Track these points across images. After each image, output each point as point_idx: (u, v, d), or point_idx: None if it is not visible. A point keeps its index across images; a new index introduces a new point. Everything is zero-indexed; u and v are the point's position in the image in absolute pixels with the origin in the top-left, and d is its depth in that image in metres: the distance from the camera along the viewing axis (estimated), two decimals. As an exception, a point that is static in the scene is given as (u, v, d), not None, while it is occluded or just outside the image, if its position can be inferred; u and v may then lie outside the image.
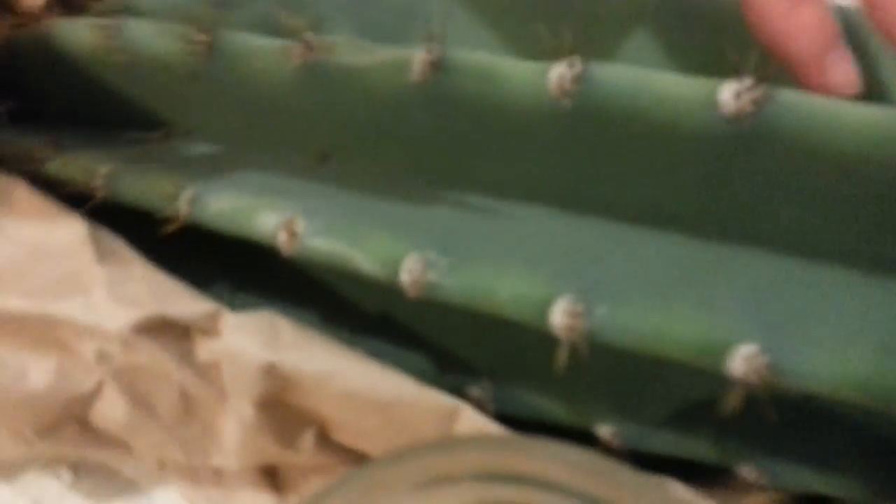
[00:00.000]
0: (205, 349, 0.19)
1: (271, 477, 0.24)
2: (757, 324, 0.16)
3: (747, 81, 0.16)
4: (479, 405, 0.21)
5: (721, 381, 0.16)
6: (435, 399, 0.19)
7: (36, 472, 0.27)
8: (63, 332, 0.20)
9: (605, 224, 0.19)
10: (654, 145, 0.17)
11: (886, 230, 0.17)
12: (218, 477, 0.25)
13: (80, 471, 0.27)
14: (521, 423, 0.21)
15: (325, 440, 0.22)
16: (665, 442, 0.20)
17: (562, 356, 0.17)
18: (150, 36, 0.22)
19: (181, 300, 0.19)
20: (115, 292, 0.19)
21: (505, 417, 0.21)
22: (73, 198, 0.23)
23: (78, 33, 0.24)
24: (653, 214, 0.19)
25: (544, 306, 0.17)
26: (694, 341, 0.16)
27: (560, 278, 0.17)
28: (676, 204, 0.18)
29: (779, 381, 0.16)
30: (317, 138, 0.23)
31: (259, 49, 0.21)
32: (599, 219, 0.19)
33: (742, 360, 0.16)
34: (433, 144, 0.20)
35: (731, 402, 0.16)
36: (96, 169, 0.23)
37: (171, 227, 0.21)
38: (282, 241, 0.19)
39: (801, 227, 0.18)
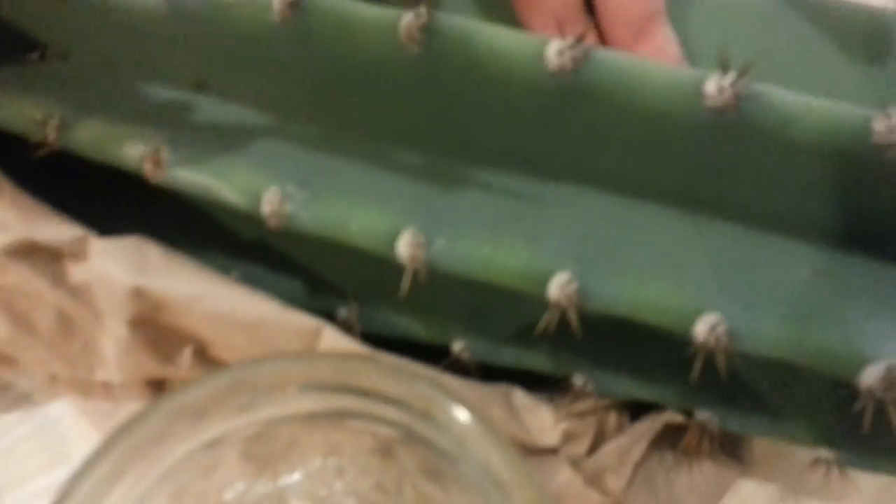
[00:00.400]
0: (75, 272, 0.20)
1: (158, 389, 0.26)
2: (572, 256, 0.19)
3: (570, 40, 0.17)
4: (346, 325, 0.23)
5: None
6: (298, 319, 0.20)
7: (-74, 388, 0.28)
8: (-65, 255, 0.20)
9: (451, 162, 0.21)
10: (490, 93, 0.19)
11: (693, 174, 0.19)
12: (107, 390, 0.27)
13: (-27, 385, 0.28)
14: (386, 340, 0.24)
15: (203, 356, 0.23)
16: (509, 355, 0.23)
17: (406, 282, 0.19)
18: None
19: (49, 225, 0.20)
20: (-17, 218, 0.19)
21: (371, 336, 0.24)
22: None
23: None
24: (492, 155, 0.20)
25: (391, 238, 0.19)
26: (517, 271, 0.18)
27: (406, 212, 0.19)
28: (512, 146, 0.20)
29: (585, 305, 0.18)
30: (190, 67, 0.23)
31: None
32: (447, 157, 0.21)
33: (556, 287, 0.18)
34: (297, 80, 0.21)
35: (548, 323, 0.19)
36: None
37: (41, 153, 0.22)
38: (148, 170, 0.20)
39: (621, 170, 0.20)
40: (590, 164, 0.20)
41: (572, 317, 0.18)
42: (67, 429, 0.28)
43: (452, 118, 0.20)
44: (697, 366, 0.18)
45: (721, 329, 0.18)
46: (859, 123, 0.17)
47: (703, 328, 0.18)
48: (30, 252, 0.19)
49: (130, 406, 0.27)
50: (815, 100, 0.17)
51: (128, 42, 0.23)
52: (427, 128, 0.20)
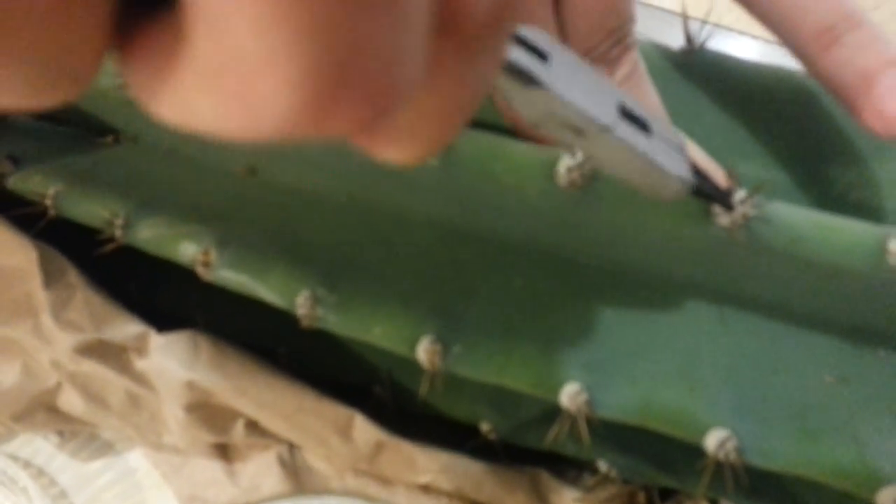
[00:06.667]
0: (138, 364, 0.22)
1: (220, 448, 0.28)
2: (585, 364, 0.19)
3: (579, 157, 0.18)
4: (380, 402, 0.25)
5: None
6: (331, 408, 0.22)
7: (27, 437, 0.31)
8: (22, 343, 0.23)
9: (473, 256, 0.22)
10: (510, 200, 0.20)
11: (713, 271, 0.19)
12: (175, 446, 0.29)
13: (65, 434, 0.31)
14: (420, 416, 0.25)
15: (254, 427, 0.25)
16: (534, 438, 0.23)
17: (425, 387, 0.20)
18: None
19: (115, 324, 0.22)
20: (59, 317, 0.22)
21: (406, 411, 0.25)
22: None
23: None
24: (514, 246, 0.21)
25: (412, 342, 0.20)
26: (528, 380, 0.19)
27: (426, 316, 0.20)
28: (534, 238, 0.21)
29: (595, 415, 0.19)
30: (242, 157, 0.25)
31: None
32: (468, 251, 0.22)
33: (567, 397, 0.19)
34: (337, 177, 0.23)
35: (561, 429, 0.19)
36: (47, 188, 0.25)
37: (110, 247, 0.24)
38: (199, 270, 0.22)
39: (642, 263, 0.20)
40: (610, 257, 0.20)
41: (582, 426, 0.19)
42: (143, 478, 0.31)
43: (473, 214, 0.21)
44: (707, 476, 0.19)
45: (731, 445, 0.18)
46: (874, 246, 0.16)
47: (713, 443, 0.18)
48: (99, 348, 0.22)
49: (196, 461, 0.29)
50: (826, 217, 0.17)
51: (189, 135, 0.25)
52: (448, 220, 0.21)
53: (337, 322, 0.21)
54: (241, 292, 0.22)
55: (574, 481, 0.24)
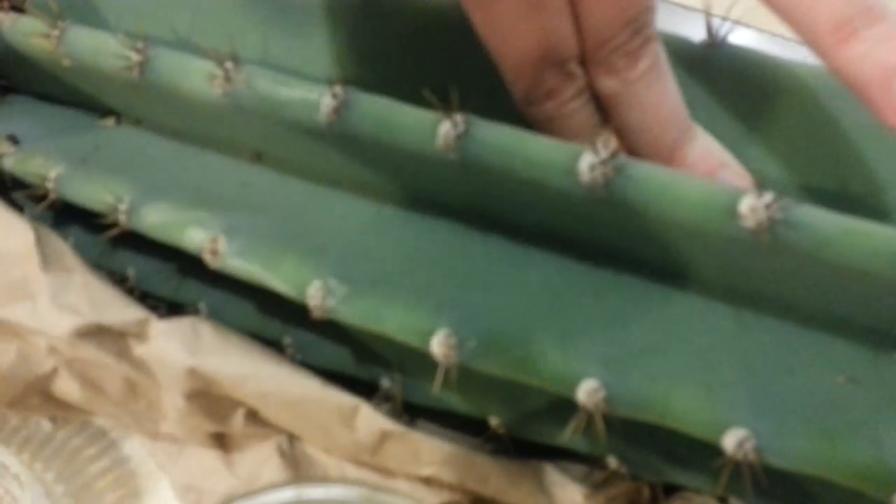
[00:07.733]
0: (138, 350, 0.22)
1: (218, 438, 0.28)
2: (604, 359, 0.19)
3: (603, 154, 0.17)
4: (389, 395, 0.24)
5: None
6: (337, 398, 0.21)
7: (19, 422, 0.30)
8: (18, 327, 0.23)
9: (499, 245, 0.21)
10: (529, 194, 0.19)
11: (732, 272, 0.19)
12: (172, 435, 0.29)
13: (58, 420, 0.31)
14: (427, 409, 0.25)
15: (254, 417, 0.25)
16: (544, 433, 0.23)
17: (439, 380, 0.20)
18: (90, 50, 0.23)
19: (115, 308, 0.22)
20: (58, 300, 0.21)
21: (413, 405, 0.25)
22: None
23: (25, 34, 0.25)
24: (531, 237, 0.21)
25: (426, 335, 0.20)
26: (547, 375, 0.19)
27: (441, 308, 0.20)
28: (549, 231, 0.20)
29: (613, 411, 0.19)
30: (248, 142, 0.25)
31: (186, 72, 0.22)
32: (495, 240, 0.21)
33: (585, 393, 0.19)
34: (346, 165, 0.22)
35: (577, 426, 0.19)
36: (48, 170, 0.25)
37: (114, 232, 0.23)
38: (207, 258, 0.22)
39: (662, 261, 0.20)
40: (629, 254, 0.20)
41: (599, 423, 0.19)
42: (138, 467, 0.30)
43: (490, 206, 0.20)
44: (725, 475, 0.18)
45: (749, 445, 0.18)
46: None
47: (731, 442, 0.18)
48: (98, 333, 0.21)
49: (193, 450, 0.29)
50: (853, 222, 0.17)
51: (194, 119, 0.25)
52: (467, 209, 0.21)
53: (349, 313, 0.20)
54: (249, 282, 0.22)
55: (585, 478, 0.24)
